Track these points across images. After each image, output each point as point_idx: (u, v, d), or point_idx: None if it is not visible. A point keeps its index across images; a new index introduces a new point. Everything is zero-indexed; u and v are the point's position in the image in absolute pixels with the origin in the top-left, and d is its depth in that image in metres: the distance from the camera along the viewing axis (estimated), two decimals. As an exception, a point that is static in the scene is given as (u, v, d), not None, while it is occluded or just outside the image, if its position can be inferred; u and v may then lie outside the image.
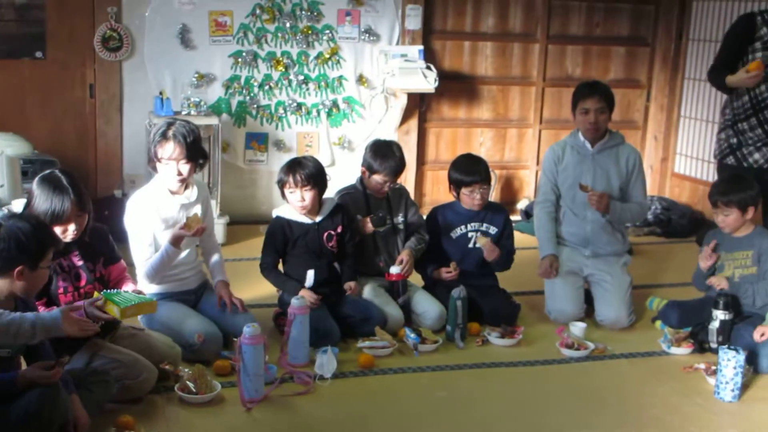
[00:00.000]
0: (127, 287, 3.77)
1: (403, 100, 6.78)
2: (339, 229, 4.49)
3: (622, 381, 4.18)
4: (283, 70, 6.59)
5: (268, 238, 4.49)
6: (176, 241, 4.09)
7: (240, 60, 6.50)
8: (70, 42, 6.26)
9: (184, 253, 4.22)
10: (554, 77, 7.37)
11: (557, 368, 4.29)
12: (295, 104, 6.66)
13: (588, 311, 4.91)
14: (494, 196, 7.20)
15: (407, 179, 6.99)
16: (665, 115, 7.55)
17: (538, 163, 7.36)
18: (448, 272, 4.75)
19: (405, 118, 6.92)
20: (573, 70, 7.42)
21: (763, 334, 4.29)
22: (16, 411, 3.01)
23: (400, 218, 4.79)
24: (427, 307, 4.63)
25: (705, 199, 6.86)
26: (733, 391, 3.93)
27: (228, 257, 5.71)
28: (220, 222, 6.05)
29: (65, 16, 6.23)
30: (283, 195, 4.44)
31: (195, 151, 4.17)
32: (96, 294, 3.55)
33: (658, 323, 4.82)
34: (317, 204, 4.43)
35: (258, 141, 6.70)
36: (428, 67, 6.60)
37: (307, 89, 6.68)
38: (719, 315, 4.39)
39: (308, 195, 4.33)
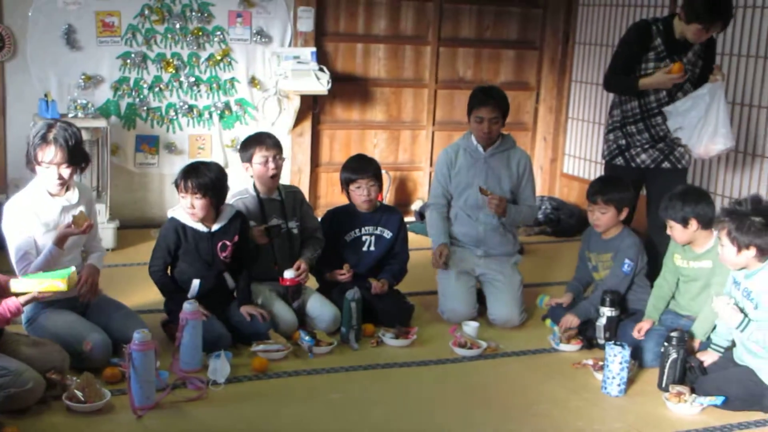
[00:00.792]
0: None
1: (296, 102, 6.76)
2: (235, 239, 4.43)
3: (513, 378, 4.25)
4: (174, 71, 6.49)
5: (161, 239, 4.40)
6: (60, 242, 3.97)
7: (129, 61, 6.37)
8: (-51, 42, 6.05)
9: (69, 257, 4.10)
10: (446, 79, 7.46)
11: (451, 367, 4.34)
12: (186, 106, 6.57)
13: (480, 310, 4.98)
14: (389, 197, 7.27)
15: (302, 181, 6.98)
16: (554, 117, 7.73)
17: (431, 165, 7.44)
18: (342, 274, 4.76)
19: (298, 120, 6.90)
20: (464, 73, 7.52)
21: (640, 330, 4.45)
22: None
23: (294, 222, 4.77)
24: (321, 309, 4.62)
25: (592, 198, 7.09)
26: (619, 385, 4.04)
27: (119, 262, 5.65)
28: (109, 226, 5.93)
29: (-56, 15, 6.01)
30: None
31: (77, 155, 4.06)
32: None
33: (548, 321, 4.92)
34: (211, 213, 4.35)
35: (149, 144, 6.59)
36: (321, 69, 6.60)
37: (199, 91, 6.60)
38: (606, 312, 4.51)
39: (198, 203, 4.25)
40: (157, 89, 6.49)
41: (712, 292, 4.24)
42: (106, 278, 4.73)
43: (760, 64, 5.82)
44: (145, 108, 6.49)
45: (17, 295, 3.57)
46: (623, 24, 6.86)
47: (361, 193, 4.82)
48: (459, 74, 7.51)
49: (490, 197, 4.89)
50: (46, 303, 4.02)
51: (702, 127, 4.90)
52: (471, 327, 4.65)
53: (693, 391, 4.00)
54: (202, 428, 3.61)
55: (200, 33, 6.49)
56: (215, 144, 6.69)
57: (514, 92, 7.65)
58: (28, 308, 3.95)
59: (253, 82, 6.73)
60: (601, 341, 4.50)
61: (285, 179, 6.39)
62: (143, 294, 4.86)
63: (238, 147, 4.78)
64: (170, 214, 4.43)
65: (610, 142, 5.23)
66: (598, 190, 4.77)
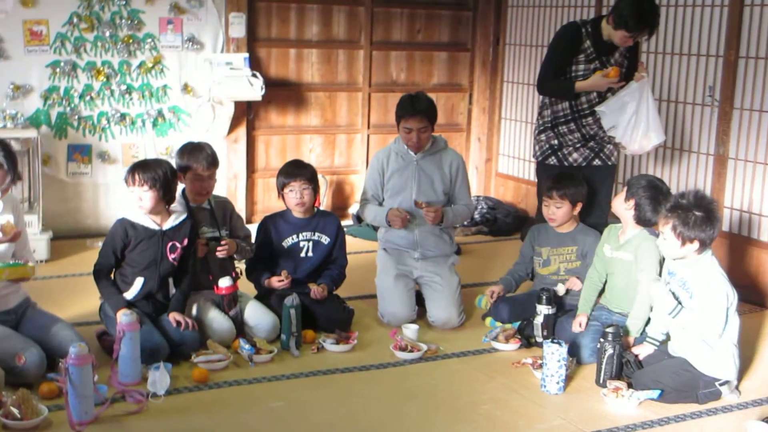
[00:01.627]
0: None
1: (230, 109, 6.72)
2: (185, 242, 4.39)
3: (454, 380, 4.29)
4: (105, 79, 6.41)
5: (108, 239, 4.33)
6: None
7: (58, 70, 6.28)
8: None
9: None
10: (380, 83, 7.49)
11: (392, 371, 4.36)
12: (118, 114, 6.50)
13: (420, 312, 5.01)
14: (326, 202, 7.27)
15: (238, 187, 6.95)
16: (487, 118, 7.81)
17: (367, 168, 7.45)
18: (280, 281, 4.74)
19: (233, 126, 6.87)
20: (398, 76, 7.56)
21: (581, 324, 4.53)
22: None
23: (225, 231, 4.74)
24: (260, 318, 4.60)
25: (528, 197, 7.20)
26: (558, 383, 4.10)
27: (53, 274, 5.57)
28: (43, 238, 5.84)
29: None
30: None
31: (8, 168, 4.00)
32: None
33: (489, 320, 4.97)
34: (161, 209, 4.31)
35: (81, 153, 6.50)
36: (254, 75, 6.58)
37: (131, 99, 6.53)
38: (543, 310, 4.58)
39: (146, 195, 4.21)
40: (88, 98, 6.40)
41: (640, 289, 4.36)
42: (41, 290, 4.68)
43: (684, 61, 5.95)
44: (76, 117, 6.39)
45: None
46: (552, 25, 6.96)
47: (294, 197, 4.81)
48: (392, 77, 7.55)
49: (426, 210, 4.93)
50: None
51: (634, 124, 5.03)
52: (411, 330, 4.68)
53: (630, 385, 4.07)
54: (143, 441, 3.59)
55: (131, 40, 6.42)
56: (149, 152, 6.62)
57: (447, 94, 7.74)
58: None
59: (186, 88, 6.68)
60: (539, 339, 4.57)
61: (221, 185, 6.37)
62: (79, 306, 4.80)
63: (174, 154, 4.74)
64: (121, 215, 4.36)
65: (542, 142, 5.30)
66: (553, 185, 4.89)
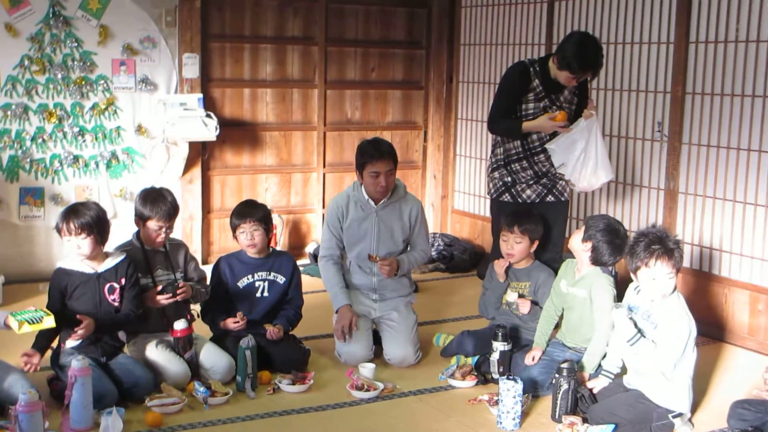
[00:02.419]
0: None
1: (184, 149, 6.71)
2: (122, 281, 4.37)
3: (411, 418, 4.28)
4: (57, 122, 6.37)
5: (49, 293, 4.34)
6: None
7: (9, 113, 6.23)
8: None
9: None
10: (334, 121, 7.53)
11: (348, 411, 4.34)
12: (71, 157, 6.45)
13: (376, 351, 5.00)
14: (282, 241, 7.25)
15: (193, 228, 6.92)
16: (442, 155, 7.86)
17: (323, 207, 7.47)
18: (235, 322, 4.71)
19: (188, 167, 6.85)
20: (353, 114, 7.60)
21: (534, 358, 4.56)
22: None
23: (179, 274, 4.72)
24: (215, 360, 4.57)
25: (484, 233, 7.25)
26: (514, 419, 4.11)
27: (4, 320, 5.47)
28: (-6, 283, 5.76)
29: None
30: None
31: None
32: None
33: (454, 359, 4.95)
34: (98, 252, 4.30)
35: (33, 196, 6.43)
36: (208, 115, 6.58)
37: (84, 141, 6.49)
38: (498, 346, 4.59)
39: (84, 243, 4.22)
40: (40, 140, 6.36)
41: (596, 327, 4.40)
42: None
43: (633, 97, 6.05)
44: (28, 160, 6.34)
45: None
46: (504, 63, 7.05)
47: (245, 238, 4.81)
48: (347, 116, 7.59)
49: (380, 264, 4.92)
50: None
51: (583, 161, 5.09)
52: (368, 369, 4.67)
53: (585, 420, 4.10)
54: (96, 489, 3.53)
55: (83, 82, 6.40)
56: (103, 194, 6.57)
57: (402, 131, 7.80)
58: None
59: (139, 130, 6.65)
60: (495, 376, 4.58)
61: (177, 226, 6.30)
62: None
63: (136, 198, 4.71)
64: (57, 265, 4.37)
65: (496, 179, 5.35)
66: (514, 220, 4.94)
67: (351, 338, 4.86)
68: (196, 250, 6.81)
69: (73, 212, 4.26)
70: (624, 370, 4.31)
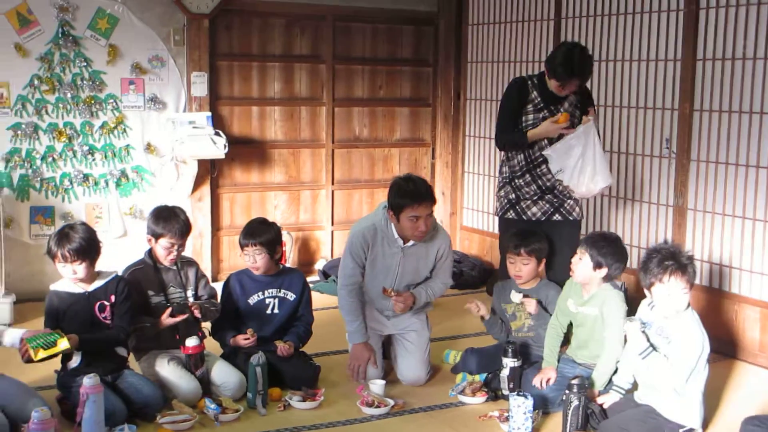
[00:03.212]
0: None
1: (193, 167, 6.74)
2: (111, 299, 4.37)
3: (421, 435, 4.28)
4: (67, 141, 6.41)
5: (45, 315, 4.34)
6: None
7: (20, 132, 6.27)
8: None
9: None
10: (343, 139, 7.55)
11: (359, 427, 4.34)
12: (81, 175, 6.49)
13: (386, 367, 4.99)
14: (292, 258, 7.27)
15: (203, 245, 6.94)
16: (450, 172, 7.88)
17: (333, 224, 7.51)
18: (246, 339, 4.73)
19: (197, 184, 6.88)
20: (360, 131, 7.63)
21: (548, 380, 4.53)
22: None
23: (190, 292, 4.73)
24: (226, 376, 4.57)
25: (493, 249, 7.24)
26: (524, 436, 4.11)
27: (15, 339, 5.47)
28: (5, 301, 5.79)
29: None
30: None
31: None
32: None
33: (460, 376, 4.95)
34: (92, 272, 4.33)
35: (44, 215, 6.47)
36: (217, 133, 6.61)
37: (94, 160, 6.53)
38: (509, 363, 4.59)
39: (79, 268, 4.25)
40: (50, 159, 6.39)
41: (607, 344, 4.39)
42: (2, 354, 4.61)
43: (641, 114, 6.06)
44: (38, 179, 6.38)
45: None
46: (510, 79, 7.04)
47: (248, 260, 4.83)
48: (355, 133, 7.62)
49: (395, 299, 4.83)
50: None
51: (581, 167, 5.06)
52: (378, 385, 4.66)
53: (596, 436, 4.09)
54: (108, 506, 3.54)
55: (92, 101, 6.44)
56: (113, 212, 6.60)
57: (410, 148, 7.83)
58: None
59: (149, 148, 6.69)
60: (505, 392, 4.57)
61: (186, 244, 6.33)
62: (43, 369, 4.72)
63: (148, 216, 4.74)
64: (51, 288, 4.38)
65: (502, 197, 5.36)
66: (520, 242, 4.90)
67: (365, 379, 4.76)
68: (206, 267, 6.83)
69: (64, 238, 4.24)
70: (635, 385, 4.30)
